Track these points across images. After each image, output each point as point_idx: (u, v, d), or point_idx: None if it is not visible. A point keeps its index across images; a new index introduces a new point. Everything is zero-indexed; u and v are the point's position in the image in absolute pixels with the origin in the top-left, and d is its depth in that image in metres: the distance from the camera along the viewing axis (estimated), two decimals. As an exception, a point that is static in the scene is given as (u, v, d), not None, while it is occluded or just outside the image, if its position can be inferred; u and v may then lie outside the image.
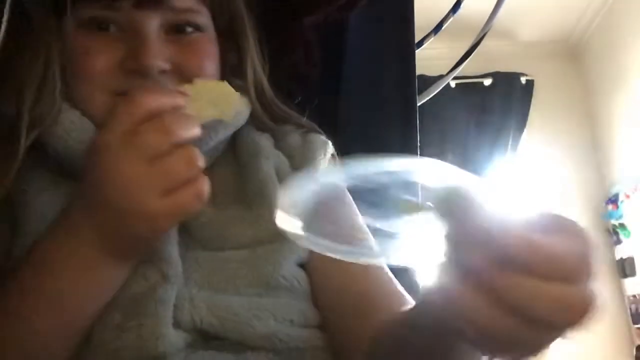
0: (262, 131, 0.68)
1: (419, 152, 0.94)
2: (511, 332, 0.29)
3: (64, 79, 0.59)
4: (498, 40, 3.04)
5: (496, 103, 3.33)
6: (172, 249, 0.54)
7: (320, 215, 0.35)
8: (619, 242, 3.06)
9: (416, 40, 1.04)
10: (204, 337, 0.52)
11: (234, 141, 0.66)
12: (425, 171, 0.40)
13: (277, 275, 0.55)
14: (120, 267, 0.49)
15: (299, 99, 0.75)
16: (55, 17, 0.59)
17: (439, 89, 1.45)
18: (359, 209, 0.58)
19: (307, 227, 0.33)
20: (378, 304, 0.54)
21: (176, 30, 0.60)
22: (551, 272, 0.29)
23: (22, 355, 0.47)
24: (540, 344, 0.31)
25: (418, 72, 0.97)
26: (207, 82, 0.55)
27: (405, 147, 0.93)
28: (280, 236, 0.36)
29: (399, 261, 0.30)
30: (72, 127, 0.56)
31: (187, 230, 0.56)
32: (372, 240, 0.40)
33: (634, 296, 2.98)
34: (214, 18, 0.65)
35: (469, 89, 3.31)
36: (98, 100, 0.58)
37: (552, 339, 0.31)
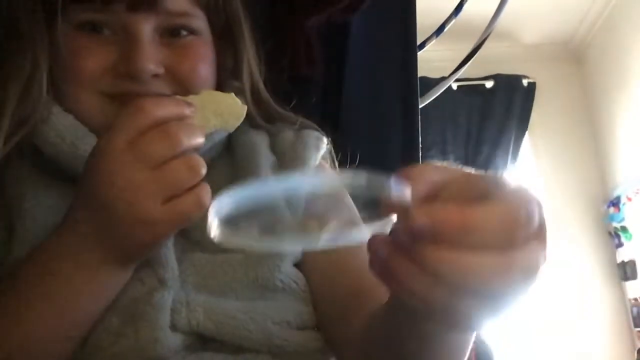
0: (258, 129, 0.68)
1: (420, 154, 0.94)
2: (445, 301, 0.30)
3: (52, 80, 0.58)
4: (500, 43, 3.05)
5: (498, 105, 3.34)
6: (169, 252, 0.54)
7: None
8: (620, 245, 3.06)
9: (418, 43, 1.04)
10: (202, 339, 0.52)
11: (230, 142, 0.66)
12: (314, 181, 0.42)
13: (275, 277, 0.55)
14: (120, 271, 0.49)
15: (299, 100, 0.75)
16: (46, 19, 0.58)
17: (440, 91, 1.46)
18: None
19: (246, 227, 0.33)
20: (370, 293, 0.53)
21: (171, 33, 0.60)
22: (473, 242, 0.29)
23: (21, 358, 0.47)
24: (482, 313, 0.31)
25: (420, 74, 0.97)
26: (213, 93, 0.55)
27: (407, 149, 0.93)
28: None
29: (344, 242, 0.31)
30: (65, 132, 0.56)
31: (183, 233, 0.56)
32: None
33: (636, 299, 2.98)
34: (210, 20, 0.64)
35: (471, 91, 3.32)
36: (87, 101, 0.57)
37: (498, 307, 0.31)
